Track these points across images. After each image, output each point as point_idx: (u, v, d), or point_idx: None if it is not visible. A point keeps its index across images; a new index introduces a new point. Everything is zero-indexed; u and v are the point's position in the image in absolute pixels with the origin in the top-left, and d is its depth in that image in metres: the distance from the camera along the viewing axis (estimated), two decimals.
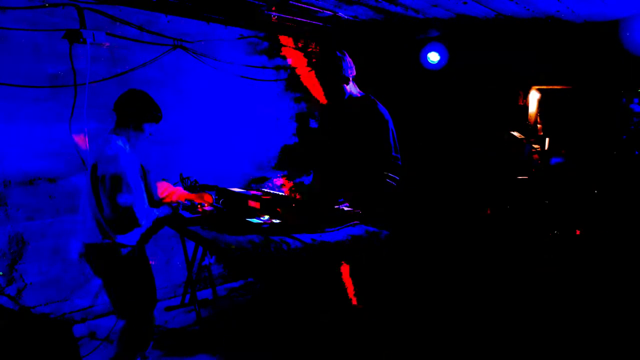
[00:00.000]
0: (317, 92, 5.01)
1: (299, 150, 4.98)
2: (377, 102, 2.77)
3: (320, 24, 4.21)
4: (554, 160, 4.45)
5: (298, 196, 2.69)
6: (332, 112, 2.95)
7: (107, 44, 3.46)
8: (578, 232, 3.96)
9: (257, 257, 2.08)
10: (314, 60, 4.86)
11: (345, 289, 2.46)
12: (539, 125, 4.69)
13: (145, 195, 2.53)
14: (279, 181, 4.87)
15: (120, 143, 2.42)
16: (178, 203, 2.68)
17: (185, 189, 2.90)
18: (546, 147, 4.62)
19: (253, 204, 2.65)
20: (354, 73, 2.81)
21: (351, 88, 2.81)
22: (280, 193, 2.84)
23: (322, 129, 3.07)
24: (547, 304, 3.57)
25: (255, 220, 2.47)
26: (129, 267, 2.46)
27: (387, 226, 2.46)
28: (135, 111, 2.46)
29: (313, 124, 5.06)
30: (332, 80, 2.75)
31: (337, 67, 2.72)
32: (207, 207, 2.74)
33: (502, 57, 4.36)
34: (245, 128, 4.52)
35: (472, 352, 3.05)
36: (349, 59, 2.78)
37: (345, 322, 2.56)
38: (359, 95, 2.83)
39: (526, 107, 4.52)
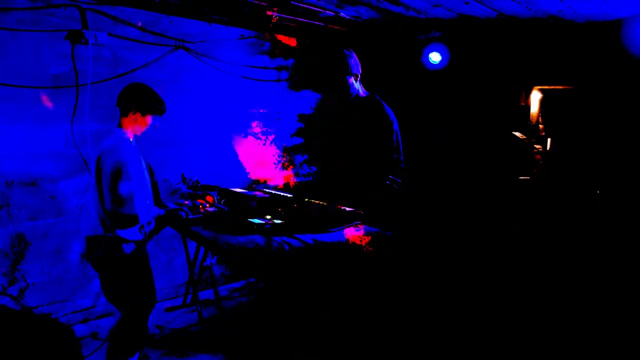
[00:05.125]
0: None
1: (301, 150, 4.98)
2: (383, 102, 2.76)
3: (322, 24, 4.21)
4: (556, 160, 4.44)
5: (300, 196, 2.68)
6: (336, 111, 2.94)
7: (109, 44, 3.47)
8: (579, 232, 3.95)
9: (258, 257, 2.07)
10: (319, 60, 4.86)
11: (346, 289, 2.46)
12: (540, 126, 4.68)
13: (149, 191, 2.53)
14: (280, 181, 4.87)
15: (125, 136, 2.43)
16: (180, 203, 2.68)
17: (187, 189, 2.90)
18: (548, 148, 4.61)
19: (254, 204, 2.65)
20: (361, 71, 2.80)
21: (358, 87, 2.80)
22: (282, 193, 2.83)
23: (326, 129, 3.06)
24: (548, 305, 3.56)
25: (256, 221, 2.47)
26: (130, 265, 2.45)
27: (390, 227, 2.45)
28: (137, 104, 2.46)
29: (315, 124, 5.06)
30: (339, 78, 2.73)
31: (345, 65, 2.70)
32: (208, 208, 2.74)
33: (504, 57, 4.35)
34: (246, 128, 4.53)
35: (472, 353, 3.05)
36: (355, 57, 2.76)
37: (346, 322, 2.55)
38: (365, 95, 2.82)
39: (528, 107, 4.51)
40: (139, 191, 2.39)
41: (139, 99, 2.48)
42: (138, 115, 2.46)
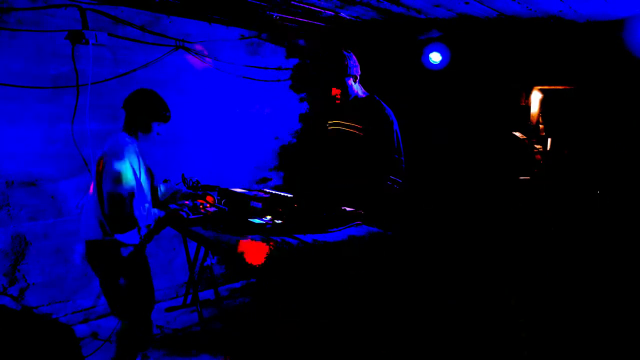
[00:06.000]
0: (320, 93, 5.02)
1: (302, 150, 4.98)
2: (383, 102, 2.76)
3: (322, 24, 4.21)
4: (556, 160, 4.44)
5: (300, 197, 2.69)
6: (336, 112, 2.94)
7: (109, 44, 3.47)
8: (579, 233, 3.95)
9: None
10: (317, 60, 4.86)
11: (346, 290, 2.46)
12: (541, 126, 4.69)
13: (148, 196, 2.53)
14: (281, 182, 4.87)
15: (128, 140, 2.44)
16: (180, 204, 2.68)
17: (187, 189, 2.90)
18: (548, 148, 4.61)
19: (255, 204, 2.65)
20: (360, 72, 2.80)
21: (357, 88, 2.80)
22: (283, 193, 2.83)
23: (326, 129, 3.06)
24: (548, 305, 3.56)
25: (257, 221, 2.47)
26: (128, 268, 2.44)
27: (390, 227, 2.45)
28: (145, 110, 2.47)
29: (316, 124, 5.06)
30: (338, 80, 2.73)
31: (344, 67, 2.71)
32: (209, 208, 2.74)
33: (504, 57, 4.35)
34: (247, 128, 4.53)
35: (472, 353, 3.05)
36: (354, 58, 2.77)
37: (347, 322, 2.55)
38: (364, 95, 2.82)
39: (528, 107, 4.52)
40: (139, 195, 2.39)
41: (147, 105, 2.48)
42: (144, 120, 2.47)
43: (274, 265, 2.03)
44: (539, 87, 4.48)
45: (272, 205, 2.59)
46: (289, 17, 3.93)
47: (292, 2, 3.49)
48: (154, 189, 2.70)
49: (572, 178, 4.22)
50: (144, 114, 2.47)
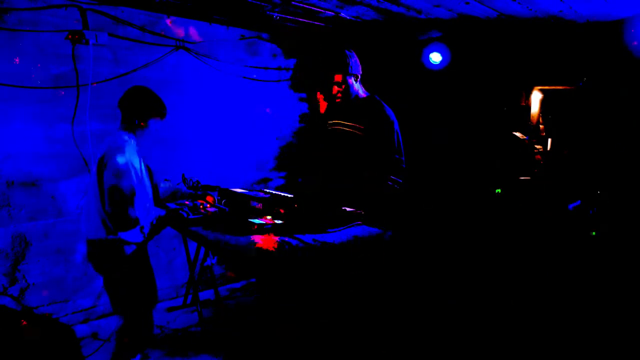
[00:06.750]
0: (319, 95, 5.01)
1: (302, 150, 4.98)
2: (383, 103, 2.76)
3: (322, 24, 4.21)
4: (556, 160, 4.44)
5: (301, 197, 2.69)
6: (337, 112, 2.94)
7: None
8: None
9: (258, 257, 2.07)
10: (319, 60, 4.86)
11: (347, 290, 2.46)
12: (541, 126, 4.68)
13: (149, 194, 2.53)
14: (281, 182, 4.87)
15: (126, 138, 2.44)
16: (180, 204, 2.68)
17: (187, 189, 2.90)
18: (548, 148, 4.61)
19: (255, 204, 2.65)
20: (361, 72, 2.80)
21: (358, 88, 2.80)
22: (283, 193, 2.83)
23: (327, 129, 3.05)
24: (548, 305, 3.56)
25: (257, 221, 2.47)
26: (131, 266, 2.46)
27: (390, 227, 2.45)
28: (140, 107, 2.47)
29: (316, 124, 5.06)
30: (339, 79, 2.73)
31: (345, 65, 2.71)
32: (209, 208, 2.74)
33: (504, 57, 4.35)
34: (247, 128, 4.53)
35: (472, 353, 3.05)
36: (356, 58, 2.77)
37: (347, 322, 2.55)
38: (365, 95, 2.82)
39: (528, 107, 4.52)
40: (139, 193, 2.39)
41: (141, 102, 2.48)
42: (140, 118, 2.47)
43: (274, 265, 2.03)
44: (539, 87, 4.48)
45: (272, 205, 2.59)
46: (289, 17, 3.93)
47: (292, 2, 3.49)
48: (154, 187, 2.71)
49: (572, 178, 4.22)
50: (139, 112, 2.47)
